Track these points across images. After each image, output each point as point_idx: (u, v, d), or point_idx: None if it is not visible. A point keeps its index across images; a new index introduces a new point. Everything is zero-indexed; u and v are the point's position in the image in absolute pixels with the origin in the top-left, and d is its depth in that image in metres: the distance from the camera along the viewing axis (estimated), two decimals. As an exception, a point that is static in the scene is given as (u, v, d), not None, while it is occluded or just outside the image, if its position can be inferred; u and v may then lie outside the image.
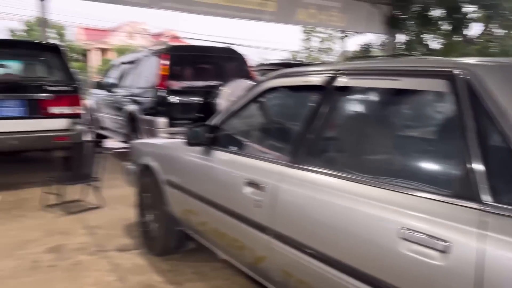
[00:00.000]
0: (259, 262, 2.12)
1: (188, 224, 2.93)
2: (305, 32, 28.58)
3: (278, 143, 2.36)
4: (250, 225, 2.12)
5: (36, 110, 5.18)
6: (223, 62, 6.67)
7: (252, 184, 2.12)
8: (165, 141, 3.55)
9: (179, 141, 3.04)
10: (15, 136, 5.04)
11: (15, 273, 2.94)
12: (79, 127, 5.44)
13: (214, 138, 2.62)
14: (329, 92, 1.97)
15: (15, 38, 24.27)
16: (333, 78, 1.98)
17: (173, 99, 5.95)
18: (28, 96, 5.16)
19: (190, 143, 2.69)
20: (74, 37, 30.45)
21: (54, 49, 5.75)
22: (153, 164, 3.26)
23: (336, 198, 1.68)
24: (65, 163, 5.80)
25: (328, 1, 12.07)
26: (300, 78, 2.26)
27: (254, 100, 2.51)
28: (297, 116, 2.27)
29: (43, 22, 8.89)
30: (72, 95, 5.42)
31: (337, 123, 2.05)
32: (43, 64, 5.97)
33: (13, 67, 6.34)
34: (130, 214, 3.93)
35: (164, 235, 3.16)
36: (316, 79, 2.09)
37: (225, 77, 6.12)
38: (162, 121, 5.82)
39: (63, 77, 5.52)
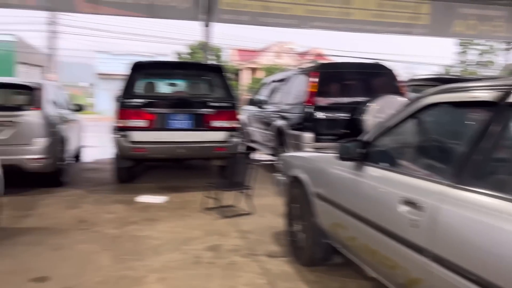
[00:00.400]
0: (413, 284, 2.04)
1: (336, 238, 2.97)
2: (461, 45, 26.26)
3: (438, 162, 2.25)
4: (405, 244, 2.06)
5: (200, 123, 5.86)
6: (372, 78, 6.59)
7: (408, 202, 2.06)
8: (315, 155, 3.66)
9: (330, 155, 3.12)
10: (182, 146, 5.78)
11: (182, 265, 3.36)
12: (235, 139, 5.96)
13: (366, 154, 2.63)
14: (502, 109, 1.82)
15: (181, 60, 27.75)
16: (507, 94, 1.82)
17: (320, 115, 6.09)
18: (194, 111, 5.87)
19: (342, 158, 2.74)
20: (229, 58, 33.39)
21: (217, 69, 6.46)
22: (303, 176, 3.40)
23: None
24: (221, 171, 6.41)
25: (491, 10, 10.94)
26: (466, 94, 2.13)
27: (412, 116, 2.45)
28: (461, 134, 2.15)
29: (205, 46, 10.03)
30: (230, 111, 5.98)
31: None
32: (207, 82, 6.75)
33: (183, 85, 7.31)
34: (278, 222, 4.15)
35: (311, 246, 3.25)
36: (485, 95, 1.95)
37: (373, 93, 6.04)
38: (308, 136, 6.00)
39: (223, 94, 6.15)
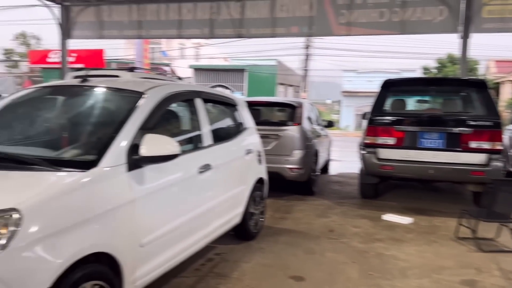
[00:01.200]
0: None
1: None
2: None
3: None
4: None
5: (455, 143, 5.38)
6: None
7: None
8: None
9: None
10: (433, 166, 5.43)
11: (433, 294, 3.15)
12: (496, 163, 5.22)
13: None
14: None
15: (428, 75, 26.32)
16: None
17: None
18: (449, 130, 5.44)
19: None
20: (485, 70, 29.65)
21: (478, 85, 5.80)
22: None
23: None
24: (476, 198, 5.73)
25: None
26: None
27: None
28: None
29: (462, 59, 9.14)
30: (493, 130, 5.28)
31: None
32: (465, 99, 6.17)
33: (436, 102, 6.90)
34: (558, 269, 3.40)
35: None
36: None
37: None
38: None
39: (484, 112, 5.48)
